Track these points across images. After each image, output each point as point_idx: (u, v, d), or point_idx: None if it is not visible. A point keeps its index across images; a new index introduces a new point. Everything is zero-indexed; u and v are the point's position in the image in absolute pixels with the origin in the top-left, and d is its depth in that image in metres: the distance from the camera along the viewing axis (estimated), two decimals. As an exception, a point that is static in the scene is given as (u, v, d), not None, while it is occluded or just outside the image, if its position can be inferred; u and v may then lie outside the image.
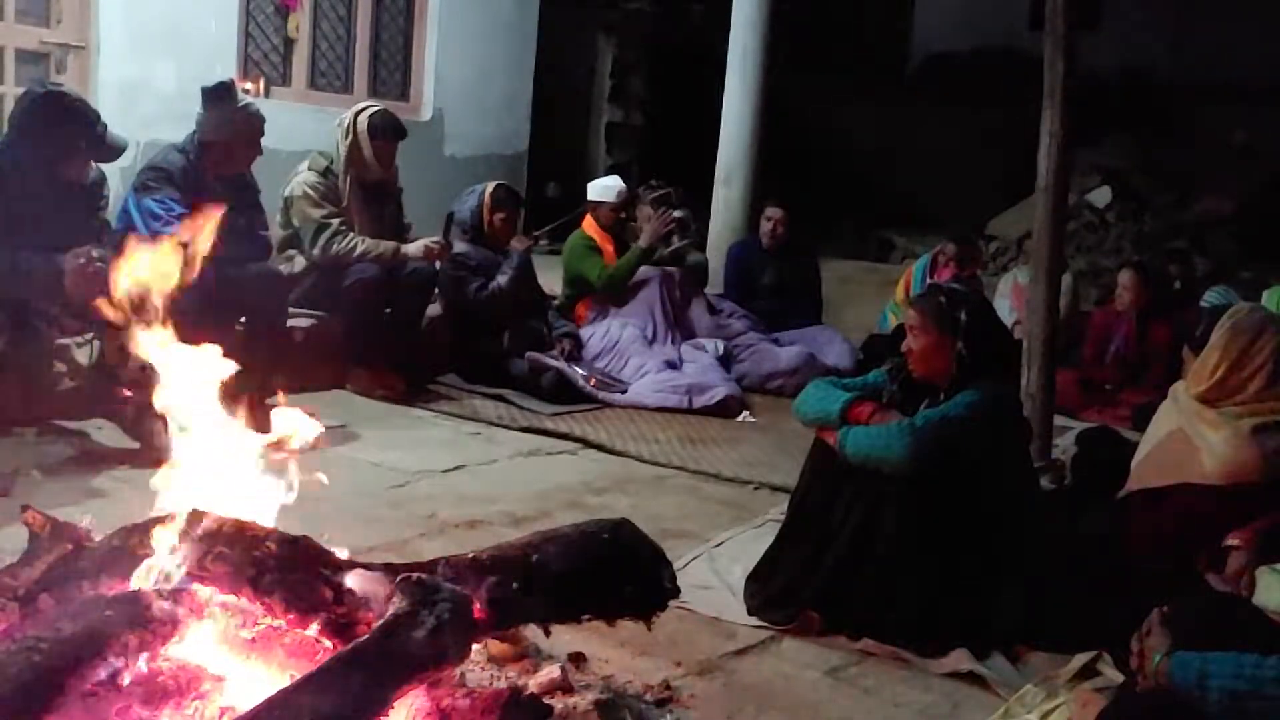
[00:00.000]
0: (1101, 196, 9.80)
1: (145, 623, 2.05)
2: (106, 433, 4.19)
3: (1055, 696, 2.68)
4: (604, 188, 6.52)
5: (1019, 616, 3.05)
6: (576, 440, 5.00)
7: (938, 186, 10.37)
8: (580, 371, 5.78)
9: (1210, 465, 3.44)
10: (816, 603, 3.12)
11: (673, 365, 6.01)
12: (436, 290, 5.75)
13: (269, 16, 6.84)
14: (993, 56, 11.52)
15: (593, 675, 2.64)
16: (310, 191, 5.33)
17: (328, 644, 2.10)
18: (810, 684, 2.85)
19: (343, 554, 2.26)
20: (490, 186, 6.01)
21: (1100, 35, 10.31)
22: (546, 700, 2.31)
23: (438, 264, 5.59)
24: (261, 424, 4.69)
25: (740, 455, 4.94)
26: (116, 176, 5.03)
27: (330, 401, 5.25)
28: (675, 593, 2.40)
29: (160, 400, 2.49)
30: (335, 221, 5.31)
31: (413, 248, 5.44)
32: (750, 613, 3.20)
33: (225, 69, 5.83)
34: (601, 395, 5.69)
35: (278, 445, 2.53)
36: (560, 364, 5.76)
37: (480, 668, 2.50)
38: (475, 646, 2.21)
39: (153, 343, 2.41)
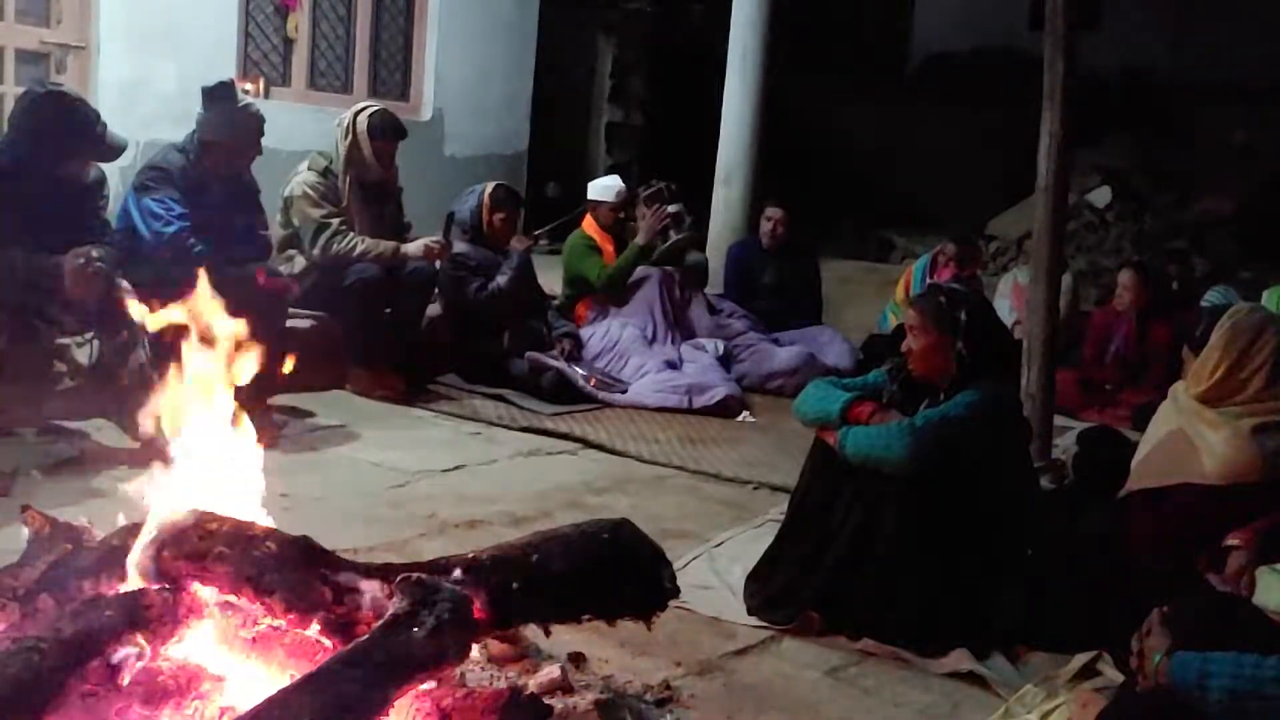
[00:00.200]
0: (1101, 196, 9.80)
1: (145, 623, 2.05)
2: (106, 433, 4.19)
3: (1055, 696, 2.68)
4: (603, 187, 6.53)
5: (1019, 616, 3.05)
6: (576, 440, 5.00)
7: (938, 186, 10.37)
8: (580, 371, 5.78)
9: (1210, 465, 3.44)
10: (816, 603, 3.12)
11: (673, 365, 6.01)
12: (436, 290, 5.75)
13: (269, 16, 6.84)
14: (993, 56, 11.51)
15: (593, 675, 2.64)
16: (310, 191, 5.33)
17: (328, 644, 2.10)
18: (810, 684, 2.85)
19: (343, 554, 2.26)
20: (489, 187, 6.01)
21: (1100, 35, 10.31)
22: (546, 700, 2.31)
23: (437, 264, 5.59)
24: (262, 423, 4.70)
25: (740, 455, 4.93)
26: (116, 176, 5.02)
27: (330, 401, 5.25)
28: (675, 593, 2.40)
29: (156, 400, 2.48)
30: (335, 221, 5.31)
31: (412, 247, 5.44)
32: (750, 613, 3.20)
33: (225, 69, 5.82)
34: (601, 395, 5.69)
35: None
36: (560, 364, 5.76)
37: (480, 668, 2.50)
38: (475, 646, 2.21)
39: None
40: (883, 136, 11.05)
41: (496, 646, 2.55)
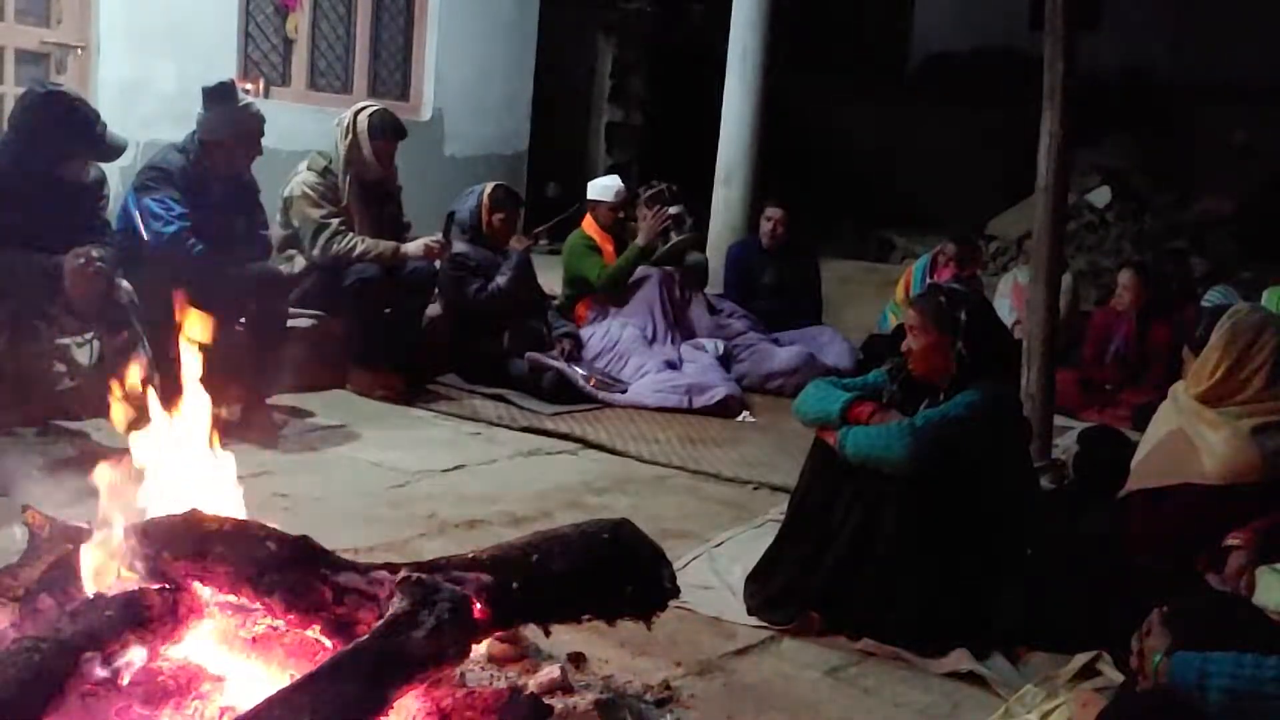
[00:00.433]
0: (1101, 196, 9.80)
1: (145, 623, 2.05)
2: (106, 433, 4.19)
3: (1055, 696, 2.67)
4: (603, 187, 6.53)
5: (1019, 616, 3.04)
6: (576, 440, 5.00)
7: (938, 186, 10.37)
8: (580, 371, 5.78)
9: (1210, 465, 3.44)
10: (816, 603, 3.13)
11: (673, 365, 6.01)
12: (436, 290, 5.75)
13: (269, 16, 6.84)
14: (993, 56, 11.51)
15: (593, 675, 2.64)
16: (310, 191, 5.33)
17: (328, 644, 2.10)
18: (810, 684, 2.85)
19: (343, 554, 2.26)
20: (489, 187, 6.01)
21: (1100, 35, 10.31)
22: (546, 700, 2.31)
23: (437, 263, 5.59)
24: (263, 423, 4.73)
25: (740, 455, 4.93)
26: (116, 176, 5.02)
27: (330, 401, 5.25)
28: (675, 593, 2.40)
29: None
30: (335, 221, 5.31)
31: (412, 247, 5.44)
32: (750, 613, 3.20)
33: (225, 69, 5.82)
34: (601, 395, 5.69)
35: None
36: (560, 364, 5.76)
37: (480, 668, 2.50)
38: (475, 646, 2.21)
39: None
40: (883, 136, 11.05)
41: (496, 646, 2.55)
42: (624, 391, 5.75)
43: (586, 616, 2.31)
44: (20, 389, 3.98)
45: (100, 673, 1.95)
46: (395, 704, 1.95)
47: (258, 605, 2.13)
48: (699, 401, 5.68)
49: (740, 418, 5.68)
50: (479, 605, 2.11)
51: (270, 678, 2.12)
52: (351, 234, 5.33)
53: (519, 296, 5.91)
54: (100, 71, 5.90)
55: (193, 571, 2.14)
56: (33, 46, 5.85)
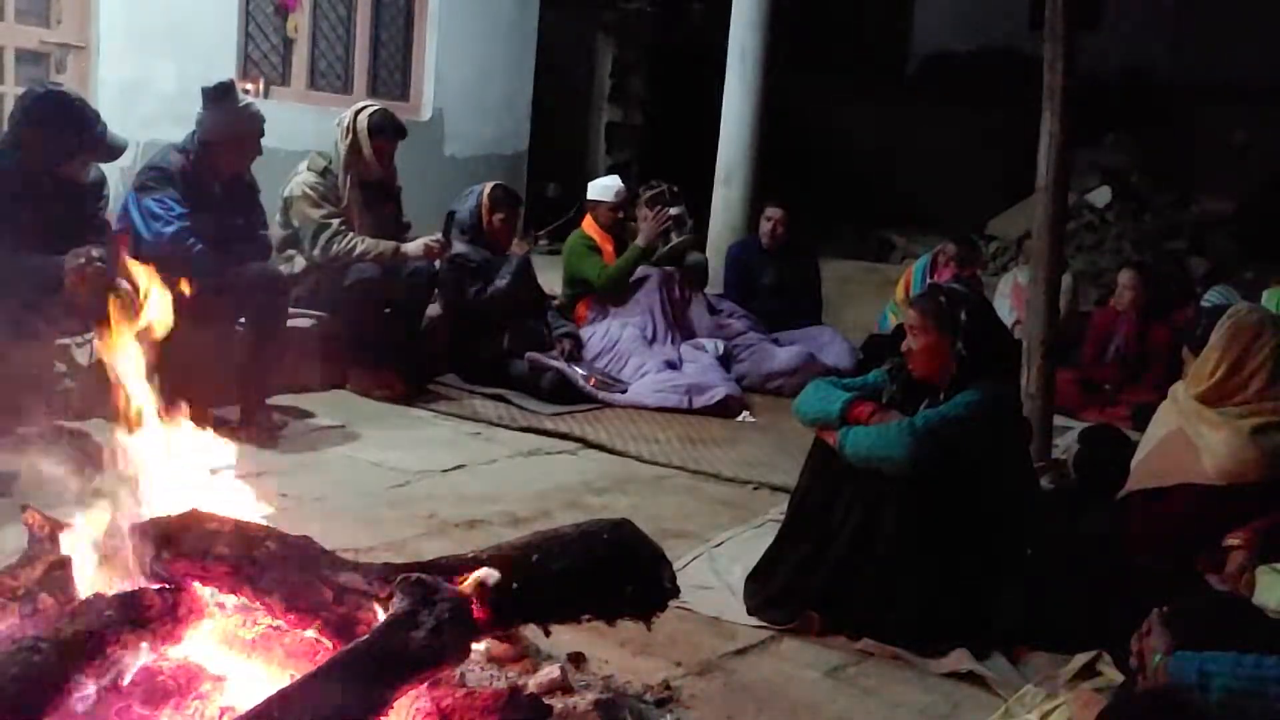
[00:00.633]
0: (1101, 196, 9.80)
1: (145, 623, 2.05)
2: (106, 433, 4.19)
3: (1055, 696, 2.67)
4: (603, 187, 6.53)
5: (1019, 616, 3.05)
6: (576, 440, 5.00)
7: (938, 186, 10.37)
8: (580, 371, 5.78)
9: (1210, 465, 3.44)
10: (816, 603, 3.13)
11: (673, 365, 6.01)
12: (436, 290, 5.75)
13: (269, 16, 6.84)
14: (993, 56, 11.52)
15: (593, 675, 2.64)
16: (309, 191, 5.33)
17: (328, 644, 2.10)
18: (810, 684, 2.85)
19: (343, 554, 2.26)
20: (488, 187, 6.01)
21: (1100, 35, 10.31)
22: (546, 700, 2.31)
23: (436, 263, 5.59)
24: (263, 423, 4.72)
25: (740, 455, 4.93)
26: (116, 176, 5.02)
27: (330, 401, 5.25)
28: (675, 593, 2.40)
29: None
30: (335, 221, 5.31)
31: (412, 247, 5.44)
32: (750, 613, 3.20)
33: (225, 69, 5.82)
34: (601, 395, 5.69)
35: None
36: (560, 364, 5.76)
37: (480, 668, 2.49)
38: (475, 646, 2.21)
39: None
40: (883, 136, 11.05)
41: (496, 646, 2.55)
42: (624, 391, 5.75)
43: (586, 616, 2.31)
44: (20, 389, 3.98)
45: (100, 673, 1.95)
46: (395, 704, 1.95)
47: (258, 605, 2.13)
48: (699, 401, 5.68)
49: (740, 418, 5.68)
50: (479, 605, 2.11)
51: (270, 678, 2.12)
52: (351, 234, 5.33)
53: (519, 298, 5.91)
54: (100, 71, 5.90)
55: (193, 571, 2.14)
56: (33, 46, 5.85)
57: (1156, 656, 2.12)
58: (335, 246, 5.29)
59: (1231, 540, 3.36)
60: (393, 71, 7.59)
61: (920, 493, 3.04)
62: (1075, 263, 8.54)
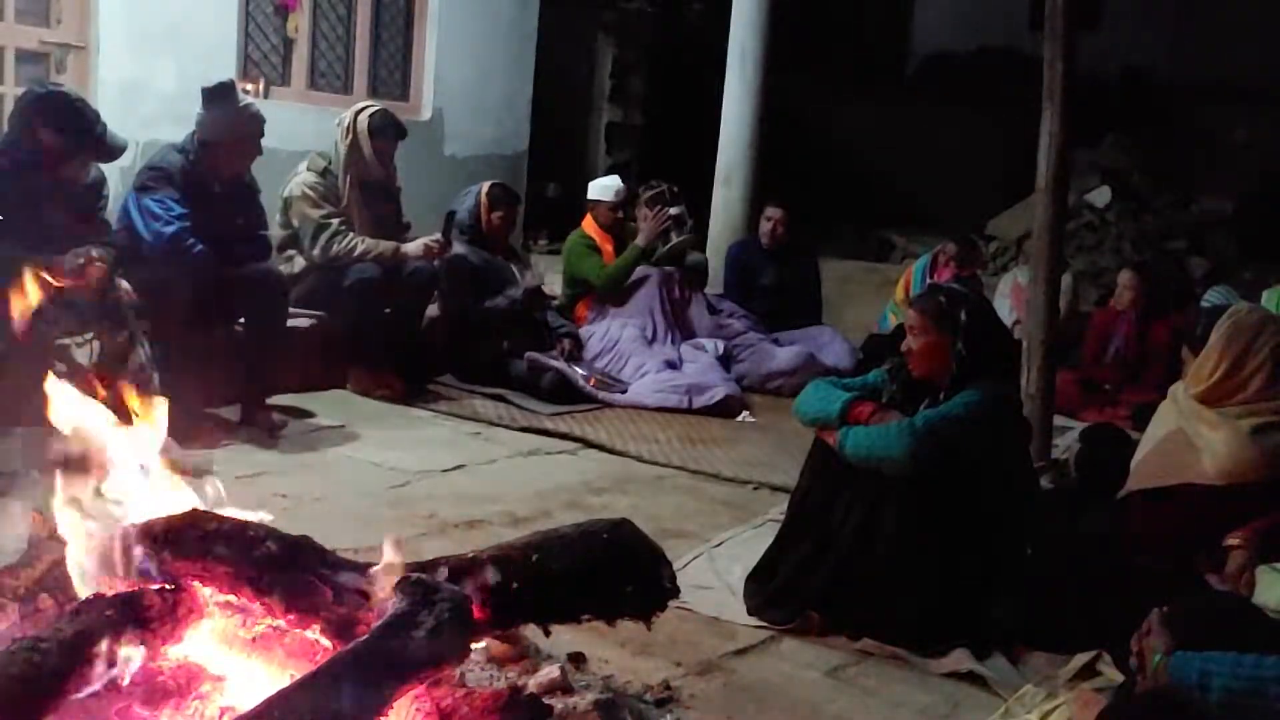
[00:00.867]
0: (1101, 196, 9.79)
1: (145, 623, 2.05)
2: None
3: (1055, 696, 2.67)
4: (603, 187, 6.53)
5: (1019, 616, 3.05)
6: (576, 440, 5.00)
7: (938, 186, 10.36)
8: (580, 371, 5.78)
9: (1210, 465, 3.44)
10: (816, 603, 3.13)
11: (673, 365, 6.01)
12: (436, 291, 5.75)
13: (269, 16, 6.83)
14: (993, 56, 11.51)
15: (593, 675, 2.64)
16: (309, 191, 5.33)
17: (328, 644, 2.10)
18: (810, 684, 2.85)
19: (343, 554, 2.26)
20: (486, 186, 6.02)
21: (1100, 35, 10.30)
22: (546, 700, 2.31)
23: (436, 262, 5.58)
24: (263, 423, 4.72)
25: (740, 455, 4.93)
26: (116, 176, 5.02)
27: (330, 401, 5.25)
28: (675, 593, 2.40)
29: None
30: (335, 221, 5.31)
31: (412, 247, 5.44)
32: (750, 613, 3.20)
33: (225, 69, 5.81)
34: (601, 395, 5.69)
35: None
36: (560, 364, 5.76)
37: (480, 668, 2.49)
38: (475, 646, 2.21)
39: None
40: (883, 136, 11.04)
41: (496, 646, 2.55)
42: (624, 391, 5.75)
43: (586, 616, 2.31)
44: (20, 389, 3.97)
45: (100, 673, 1.95)
46: (395, 704, 1.95)
47: (258, 605, 2.13)
48: (699, 401, 5.68)
49: (740, 418, 5.68)
50: (479, 605, 2.11)
51: (270, 678, 2.12)
52: (351, 234, 5.33)
53: (528, 314, 5.93)
54: (100, 71, 5.90)
55: (193, 571, 2.14)
56: (33, 46, 5.84)
57: (1156, 656, 2.12)
58: (335, 246, 5.29)
59: (1231, 540, 3.36)
60: (393, 71, 7.59)
61: (920, 493, 3.04)
62: (1075, 263, 8.54)
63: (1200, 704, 2.00)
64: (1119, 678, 2.64)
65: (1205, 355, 3.55)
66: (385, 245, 5.37)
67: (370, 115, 5.45)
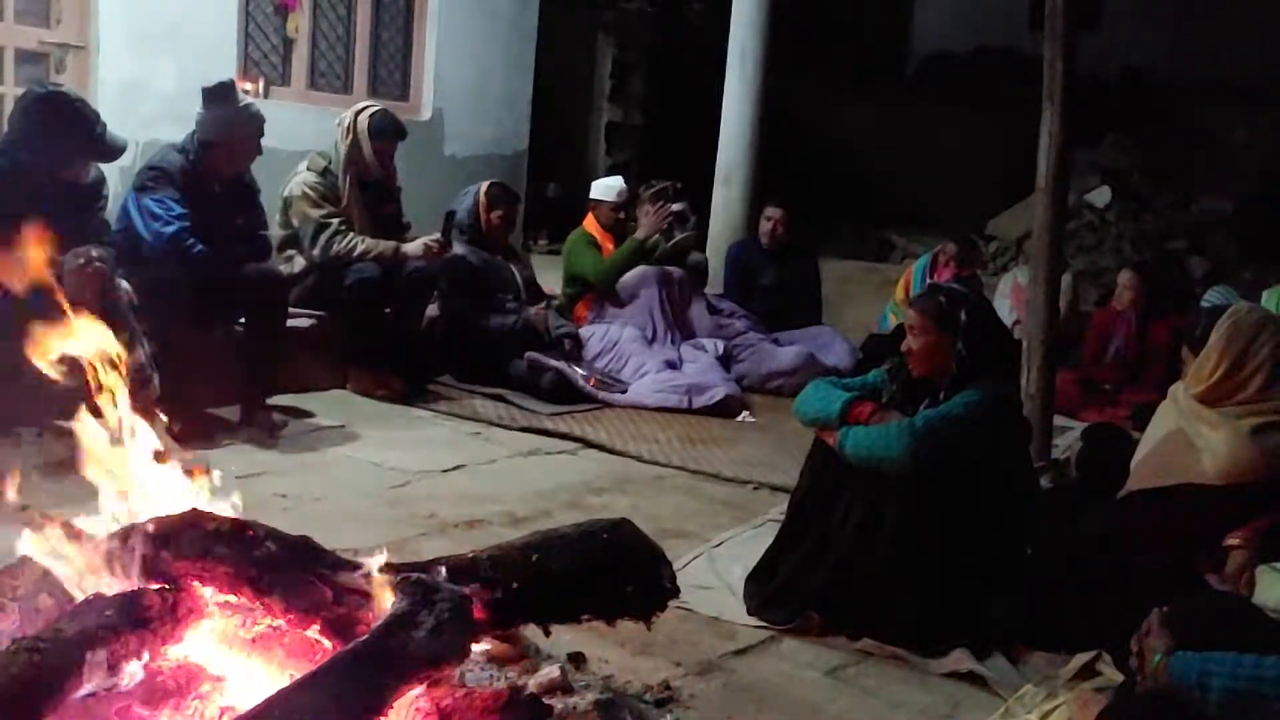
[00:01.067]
0: (1101, 196, 9.80)
1: (145, 623, 2.05)
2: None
3: (1055, 696, 2.68)
4: (606, 187, 6.54)
5: (1019, 616, 3.05)
6: (576, 440, 5.00)
7: (938, 186, 10.36)
8: (580, 371, 5.78)
9: (1210, 465, 3.44)
10: (816, 603, 3.13)
11: (673, 365, 6.00)
12: (436, 291, 5.75)
13: (269, 16, 6.83)
14: (993, 56, 11.52)
15: (593, 675, 2.64)
16: (309, 191, 5.33)
17: (328, 644, 2.10)
18: (810, 684, 2.85)
19: (343, 554, 2.26)
20: (485, 185, 6.02)
21: (1100, 35, 10.30)
22: (546, 700, 2.31)
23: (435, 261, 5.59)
24: (263, 423, 4.72)
25: (740, 455, 4.93)
26: (116, 176, 5.02)
27: (330, 401, 5.25)
28: (675, 593, 2.40)
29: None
30: (335, 221, 5.31)
31: (412, 247, 5.44)
32: (750, 613, 3.20)
33: (225, 69, 5.81)
34: (601, 395, 5.69)
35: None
36: (560, 364, 5.76)
37: (480, 668, 2.49)
38: (475, 646, 2.21)
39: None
40: (883, 136, 11.04)
41: (496, 646, 2.55)
42: (624, 391, 5.75)
43: (586, 616, 2.31)
44: (20, 389, 3.97)
45: (100, 673, 1.95)
46: (395, 704, 1.95)
47: (258, 605, 2.13)
48: (699, 401, 5.68)
49: (740, 418, 5.68)
50: (479, 605, 2.11)
51: (270, 678, 2.12)
52: (351, 234, 5.33)
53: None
54: (100, 71, 5.90)
55: (193, 571, 2.14)
56: (33, 46, 5.84)
57: (1156, 656, 2.12)
58: (335, 246, 5.29)
59: (1231, 540, 3.36)
60: (393, 71, 7.59)
61: (920, 493, 3.04)
62: (1075, 263, 8.55)
63: (1200, 704, 2.00)
64: (1119, 678, 2.64)
65: (1205, 355, 3.55)
66: (385, 245, 5.37)
67: (370, 115, 5.45)
